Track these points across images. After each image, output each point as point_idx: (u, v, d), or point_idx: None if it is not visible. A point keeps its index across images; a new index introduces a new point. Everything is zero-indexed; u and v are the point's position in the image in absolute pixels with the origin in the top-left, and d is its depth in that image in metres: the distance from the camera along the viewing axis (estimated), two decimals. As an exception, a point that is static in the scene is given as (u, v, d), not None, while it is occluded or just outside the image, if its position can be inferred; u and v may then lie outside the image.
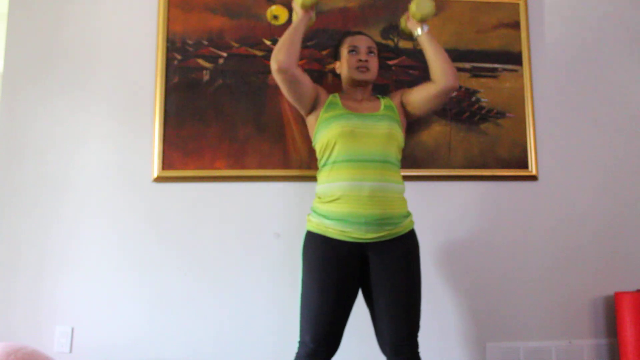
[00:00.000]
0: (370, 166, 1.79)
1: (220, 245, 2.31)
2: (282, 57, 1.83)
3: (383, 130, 1.84)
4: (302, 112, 2.01)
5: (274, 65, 1.85)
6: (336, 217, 1.77)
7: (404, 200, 1.87)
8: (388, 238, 1.79)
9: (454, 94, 2.48)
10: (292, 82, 1.86)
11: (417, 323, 1.77)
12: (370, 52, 1.98)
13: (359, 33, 2.06)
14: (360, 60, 1.94)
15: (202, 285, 2.28)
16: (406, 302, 1.75)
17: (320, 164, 1.91)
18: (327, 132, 1.85)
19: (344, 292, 1.75)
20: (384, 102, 1.98)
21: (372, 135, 1.83)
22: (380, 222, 1.77)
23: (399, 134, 1.90)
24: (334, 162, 1.83)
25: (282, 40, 1.88)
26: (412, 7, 1.99)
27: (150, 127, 2.34)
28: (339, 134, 1.82)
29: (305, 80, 1.90)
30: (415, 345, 1.76)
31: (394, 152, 1.87)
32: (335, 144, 1.83)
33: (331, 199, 1.80)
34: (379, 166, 1.80)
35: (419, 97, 1.97)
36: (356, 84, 1.99)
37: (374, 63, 1.98)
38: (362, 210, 1.76)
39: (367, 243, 1.78)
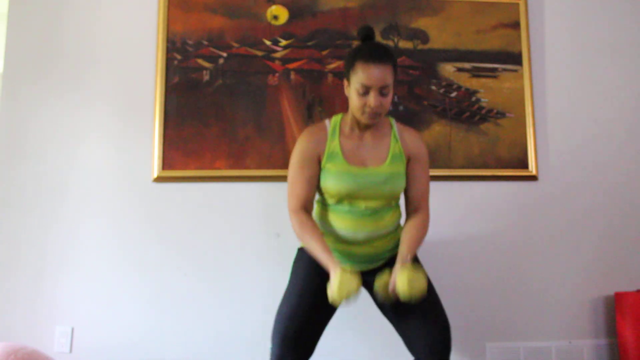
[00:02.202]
0: (366, 218, 1.70)
1: (220, 245, 2.31)
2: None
3: (386, 192, 1.70)
4: None
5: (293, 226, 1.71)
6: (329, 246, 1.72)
7: (397, 232, 1.78)
8: (381, 264, 1.77)
9: (454, 94, 2.48)
10: None
11: (445, 318, 1.67)
12: (384, 93, 1.63)
13: (375, 59, 1.61)
14: (370, 107, 1.63)
15: (202, 285, 2.28)
16: (428, 302, 1.66)
17: (317, 198, 1.82)
18: (327, 183, 1.70)
19: (322, 301, 1.63)
20: (393, 147, 1.73)
21: (373, 196, 1.69)
22: (372, 259, 1.76)
23: (402, 188, 1.75)
24: (332, 207, 1.73)
25: (306, 243, 1.68)
26: (401, 285, 1.53)
27: (150, 127, 2.34)
28: (338, 192, 1.68)
29: (314, 183, 1.72)
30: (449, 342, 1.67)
31: (394, 200, 1.77)
32: (334, 196, 1.71)
33: (324, 232, 1.75)
34: (376, 216, 1.71)
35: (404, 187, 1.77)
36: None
37: (386, 104, 1.65)
38: (353, 251, 1.74)
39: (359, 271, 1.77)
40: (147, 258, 2.28)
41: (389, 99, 1.65)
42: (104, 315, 2.23)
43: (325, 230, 1.76)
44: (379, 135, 1.74)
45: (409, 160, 1.75)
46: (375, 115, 1.65)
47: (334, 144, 1.70)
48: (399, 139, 1.74)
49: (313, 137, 1.72)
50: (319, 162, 1.71)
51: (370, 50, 1.63)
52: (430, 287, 1.75)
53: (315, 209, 1.82)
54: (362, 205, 1.69)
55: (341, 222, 1.71)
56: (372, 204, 1.69)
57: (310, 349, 1.66)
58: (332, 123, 1.75)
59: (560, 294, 2.42)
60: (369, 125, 1.71)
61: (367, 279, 1.80)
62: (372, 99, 1.61)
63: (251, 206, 2.34)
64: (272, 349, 1.66)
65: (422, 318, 1.65)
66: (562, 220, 2.47)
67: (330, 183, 1.68)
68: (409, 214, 1.78)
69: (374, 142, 1.73)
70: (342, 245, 1.75)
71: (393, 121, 1.80)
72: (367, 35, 1.71)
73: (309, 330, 1.65)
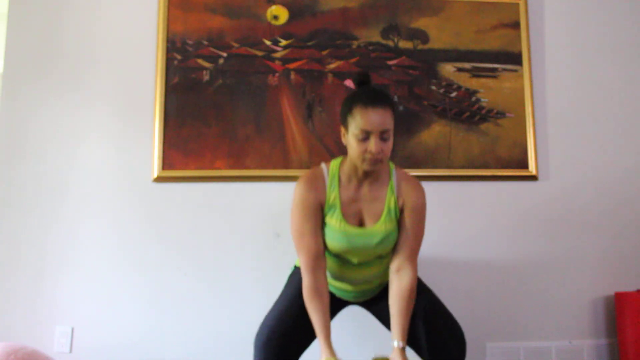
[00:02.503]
0: (361, 267, 1.69)
1: (220, 245, 2.31)
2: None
3: (378, 251, 1.66)
4: None
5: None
6: None
7: (387, 270, 1.73)
8: (377, 294, 1.80)
9: (454, 94, 2.48)
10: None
11: (459, 329, 1.67)
12: (384, 138, 1.55)
13: (374, 103, 1.55)
14: (371, 152, 1.55)
15: (202, 285, 2.28)
16: (442, 317, 1.68)
17: None
18: (326, 237, 1.66)
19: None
20: (388, 200, 1.66)
21: (366, 254, 1.66)
22: (367, 293, 1.78)
23: (394, 243, 1.68)
24: (329, 254, 1.70)
25: (309, 314, 1.60)
26: None
27: (150, 127, 2.34)
28: (332, 248, 1.66)
29: (321, 230, 1.66)
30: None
31: (386, 253, 1.71)
32: (328, 250, 1.68)
33: None
34: (370, 266, 1.70)
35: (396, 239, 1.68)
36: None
37: (387, 149, 1.57)
38: (350, 289, 1.76)
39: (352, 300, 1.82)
40: (147, 258, 2.27)
41: (389, 144, 1.57)
42: (104, 315, 2.23)
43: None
44: (377, 186, 1.66)
45: (402, 211, 1.66)
46: (377, 161, 1.56)
47: (333, 195, 1.64)
48: (395, 191, 1.66)
49: (312, 187, 1.65)
50: (322, 209, 1.65)
51: (368, 95, 1.57)
52: (437, 299, 1.75)
53: None
54: (355, 259, 1.67)
55: (338, 268, 1.71)
56: (365, 258, 1.67)
57: (294, 358, 1.63)
58: (330, 171, 1.67)
59: (560, 294, 2.41)
60: (367, 174, 1.64)
61: (366, 305, 1.84)
62: (372, 144, 1.53)
63: (251, 206, 2.34)
64: (254, 353, 1.61)
65: (436, 332, 1.64)
66: (562, 220, 2.47)
67: (329, 236, 1.65)
68: (395, 269, 1.65)
69: (371, 194, 1.66)
70: (339, 282, 1.76)
71: (393, 170, 1.70)
72: (362, 80, 1.66)
73: (293, 340, 1.62)
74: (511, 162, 2.46)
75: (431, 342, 1.63)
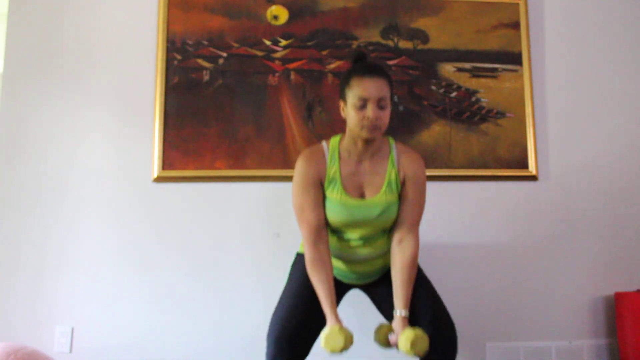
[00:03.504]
0: (363, 243, 1.71)
1: (220, 245, 2.31)
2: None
3: (379, 223, 1.69)
4: None
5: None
6: None
7: (389, 252, 1.75)
8: (380, 277, 1.81)
9: (454, 94, 2.48)
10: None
11: (451, 322, 1.69)
12: (381, 106, 1.61)
13: (371, 73, 1.62)
14: (368, 119, 1.60)
15: (202, 285, 2.28)
16: (433, 308, 1.69)
17: None
18: (327, 210, 1.69)
19: (318, 304, 1.64)
20: (389, 172, 1.69)
21: (367, 226, 1.68)
22: (371, 275, 1.79)
23: (394, 217, 1.70)
24: (331, 232, 1.73)
25: (313, 284, 1.64)
26: (404, 346, 1.55)
27: (150, 127, 2.34)
28: (333, 222, 1.69)
29: (322, 205, 1.68)
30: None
31: (387, 227, 1.73)
32: (330, 225, 1.71)
33: None
34: (371, 241, 1.72)
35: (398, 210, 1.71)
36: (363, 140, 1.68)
37: (385, 117, 1.62)
38: (353, 269, 1.77)
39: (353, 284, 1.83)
40: (147, 258, 2.28)
41: (387, 112, 1.63)
42: (104, 315, 2.23)
43: None
44: (377, 160, 1.70)
45: (403, 183, 1.70)
46: (375, 128, 1.60)
47: (333, 169, 1.68)
48: (395, 164, 1.70)
49: (312, 161, 1.69)
50: (322, 185, 1.68)
51: (365, 66, 1.66)
52: (432, 288, 1.77)
53: None
54: (357, 233, 1.69)
55: (340, 245, 1.73)
56: (367, 232, 1.69)
57: (305, 351, 1.67)
58: (330, 147, 1.71)
59: (560, 294, 2.42)
60: (367, 148, 1.67)
61: (368, 289, 1.85)
62: (370, 110, 1.59)
63: (251, 206, 2.34)
64: (267, 349, 1.66)
65: (428, 325, 1.64)
66: (562, 220, 2.47)
67: (329, 209, 1.67)
68: (397, 240, 1.69)
69: (371, 167, 1.70)
70: (342, 263, 1.77)
71: (392, 144, 1.74)
72: (358, 57, 1.72)
73: (304, 332, 1.65)
74: (511, 162, 2.46)
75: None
